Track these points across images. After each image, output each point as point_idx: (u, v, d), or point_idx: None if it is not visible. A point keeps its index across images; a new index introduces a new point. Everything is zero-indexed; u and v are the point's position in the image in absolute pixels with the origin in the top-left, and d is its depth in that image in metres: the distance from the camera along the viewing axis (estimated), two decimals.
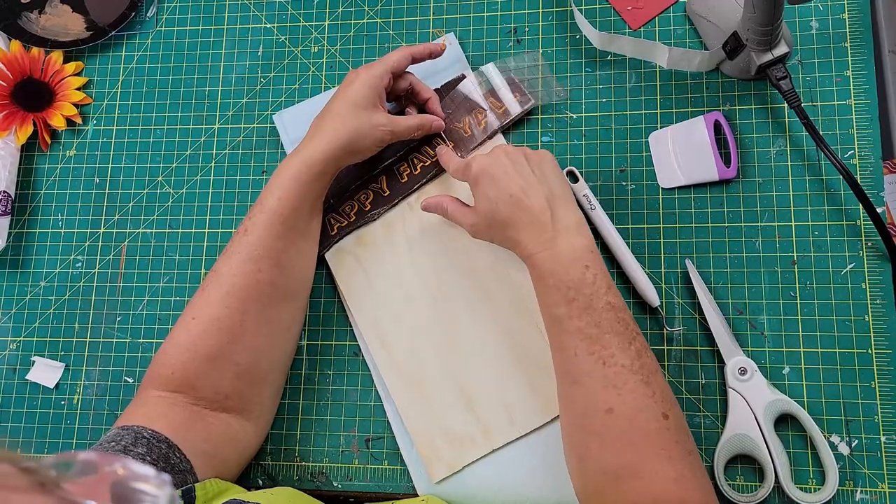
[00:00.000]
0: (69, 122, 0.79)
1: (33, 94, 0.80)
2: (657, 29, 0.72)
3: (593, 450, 0.54)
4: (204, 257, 0.74)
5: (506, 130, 0.71)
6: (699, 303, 0.64)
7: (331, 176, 0.66)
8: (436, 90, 0.72)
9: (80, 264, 0.76)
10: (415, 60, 0.69)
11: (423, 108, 0.72)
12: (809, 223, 0.65)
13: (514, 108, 0.71)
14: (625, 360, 0.54)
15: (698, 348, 0.65)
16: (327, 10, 0.78)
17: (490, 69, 0.71)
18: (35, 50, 0.80)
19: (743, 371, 0.62)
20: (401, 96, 0.72)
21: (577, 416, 0.55)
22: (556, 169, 0.61)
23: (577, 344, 0.55)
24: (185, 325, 0.61)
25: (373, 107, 0.65)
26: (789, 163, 0.67)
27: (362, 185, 0.72)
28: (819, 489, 0.60)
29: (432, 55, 0.70)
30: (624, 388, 0.53)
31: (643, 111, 0.70)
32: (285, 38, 0.78)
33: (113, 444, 0.54)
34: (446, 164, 0.67)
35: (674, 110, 0.70)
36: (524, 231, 0.58)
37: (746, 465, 0.62)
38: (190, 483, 0.54)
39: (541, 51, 0.73)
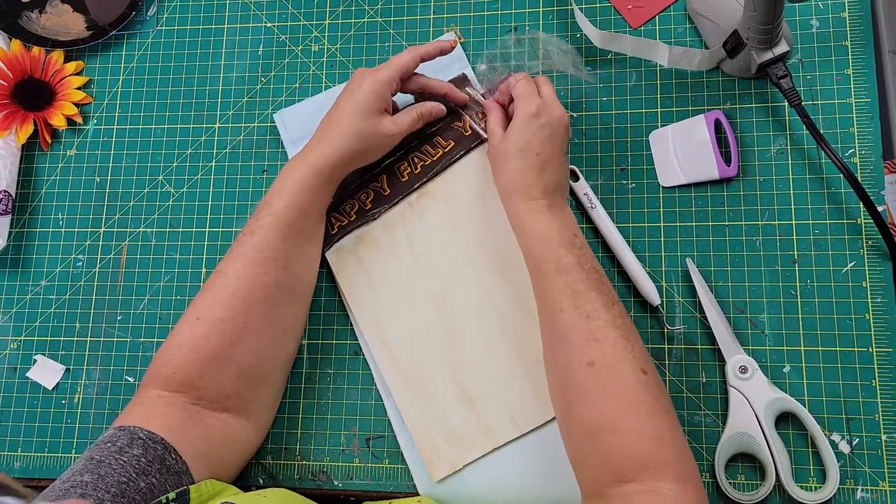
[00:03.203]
0: (70, 121, 0.79)
1: (34, 94, 0.80)
2: (657, 28, 0.72)
3: (574, 407, 0.56)
4: (204, 257, 0.74)
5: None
6: (700, 301, 0.64)
7: (338, 181, 0.66)
8: None
9: (80, 264, 0.76)
10: (424, 61, 0.68)
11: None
12: (810, 222, 0.65)
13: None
14: (607, 315, 0.56)
15: (699, 347, 0.65)
16: (328, 10, 0.78)
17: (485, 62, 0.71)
18: (36, 49, 0.80)
19: (744, 370, 0.62)
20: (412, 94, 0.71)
21: (562, 376, 0.57)
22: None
23: (564, 299, 0.57)
24: (188, 325, 0.61)
25: (378, 113, 0.65)
26: (790, 161, 0.67)
27: (363, 184, 0.72)
28: (820, 487, 0.60)
29: (442, 53, 0.69)
30: (605, 341, 0.55)
31: (643, 110, 0.70)
32: (286, 38, 0.78)
33: (109, 444, 0.54)
34: (514, 84, 0.66)
35: (674, 109, 0.70)
36: (531, 189, 0.61)
37: (747, 463, 0.62)
38: (185, 485, 0.55)
39: (569, 36, 0.73)
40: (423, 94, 0.71)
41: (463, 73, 0.73)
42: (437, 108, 0.69)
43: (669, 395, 0.56)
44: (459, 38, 0.73)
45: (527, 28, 0.74)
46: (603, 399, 0.54)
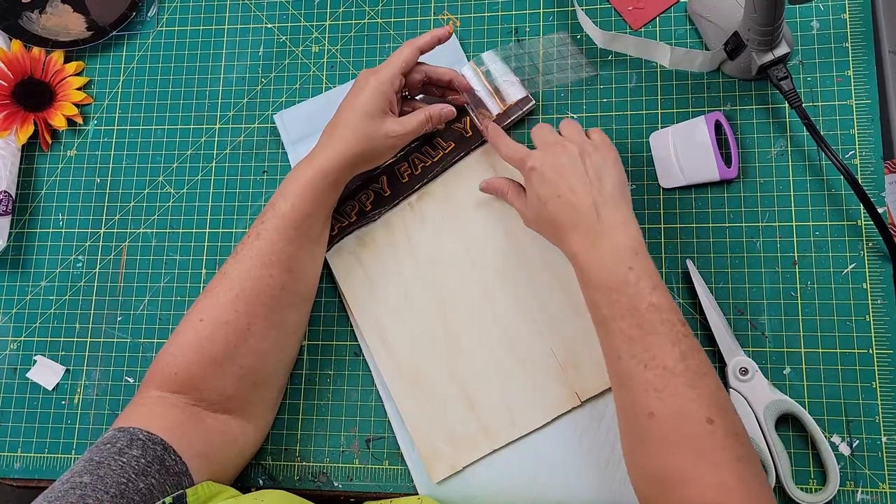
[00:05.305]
0: (70, 121, 0.79)
1: (34, 94, 0.80)
2: (658, 29, 0.72)
3: (639, 455, 0.54)
4: (204, 257, 0.74)
5: (506, 130, 0.71)
6: (700, 303, 0.64)
7: (343, 184, 0.66)
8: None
9: (80, 264, 0.76)
10: (423, 52, 0.67)
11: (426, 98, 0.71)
12: (810, 223, 0.65)
13: (514, 110, 0.70)
14: (667, 362, 0.52)
15: None
16: (328, 10, 0.78)
17: (489, 56, 0.70)
18: (36, 50, 0.80)
19: (744, 371, 0.62)
20: (422, 85, 0.70)
21: (625, 420, 0.55)
22: (614, 167, 0.60)
23: (620, 346, 0.54)
24: (191, 327, 0.61)
25: (383, 114, 0.65)
26: (790, 163, 0.67)
27: (363, 185, 0.72)
28: (820, 489, 0.60)
29: (441, 41, 0.68)
30: (665, 391, 0.52)
31: (644, 111, 0.70)
32: (286, 38, 0.78)
33: (108, 445, 0.54)
34: (497, 146, 0.65)
35: (675, 110, 0.70)
36: (570, 231, 0.58)
37: None
38: (185, 485, 0.55)
39: (569, 29, 0.73)
40: (428, 85, 0.70)
41: (463, 74, 0.72)
42: (447, 109, 0.68)
43: (745, 436, 0.53)
44: (455, 23, 0.73)
45: (516, 41, 0.74)
46: (665, 451, 0.52)
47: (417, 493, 0.66)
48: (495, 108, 0.68)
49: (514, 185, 0.65)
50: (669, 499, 0.51)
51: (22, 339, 0.76)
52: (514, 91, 0.67)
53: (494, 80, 0.69)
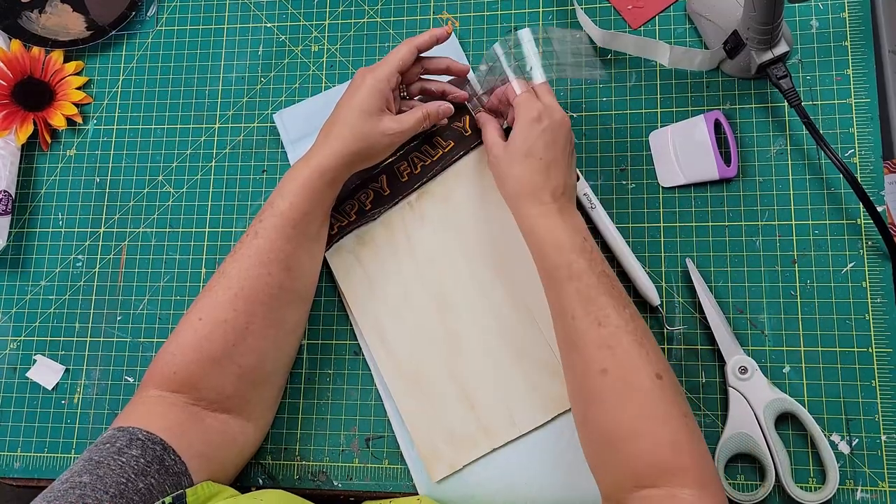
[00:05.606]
0: (69, 121, 0.79)
1: (34, 94, 0.80)
2: (657, 28, 0.72)
3: (590, 414, 0.56)
4: (204, 257, 0.74)
5: (505, 129, 0.71)
6: (699, 302, 0.64)
7: (341, 182, 0.66)
8: None
9: (80, 264, 0.76)
10: (421, 51, 0.67)
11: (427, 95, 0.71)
12: (810, 222, 0.65)
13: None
14: (619, 321, 0.55)
15: (699, 347, 0.65)
16: (327, 10, 0.78)
17: (525, 35, 0.67)
18: (35, 49, 0.80)
19: (743, 370, 0.62)
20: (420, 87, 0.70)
21: (578, 382, 0.57)
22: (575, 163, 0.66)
23: (576, 306, 0.57)
24: (190, 326, 0.61)
25: (380, 112, 0.64)
26: (789, 162, 0.67)
27: (362, 184, 0.72)
28: (820, 488, 0.60)
29: (439, 41, 0.68)
30: (618, 347, 0.55)
31: (643, 110, 0.70)
32: (285, 38, 0.78)
33: (108, 445, 0.54)
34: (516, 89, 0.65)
35: (674, 109, 0.70)
36: (538, 193, 0.61)
37: (747, 464, 0.62)
38: (185, 485, 0.55)
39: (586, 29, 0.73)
40: (429, 88, 0.70)
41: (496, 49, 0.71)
42: (445, 107, 0.68)
43: (686, 397, 0.56)
44: (454, 23, 0.73)
45: (526, 27, 0.74)
46: (618, 406, 0.54)
47: (417, 493, 0.66)
48: (520, 88, 0.65)
49: (498, 126, 0.67)
50: (622, 453, 0.53)
51: (22, 338, 0.76)
52: (538, 75, 0.66)
53: (523, 61, 0.67)
